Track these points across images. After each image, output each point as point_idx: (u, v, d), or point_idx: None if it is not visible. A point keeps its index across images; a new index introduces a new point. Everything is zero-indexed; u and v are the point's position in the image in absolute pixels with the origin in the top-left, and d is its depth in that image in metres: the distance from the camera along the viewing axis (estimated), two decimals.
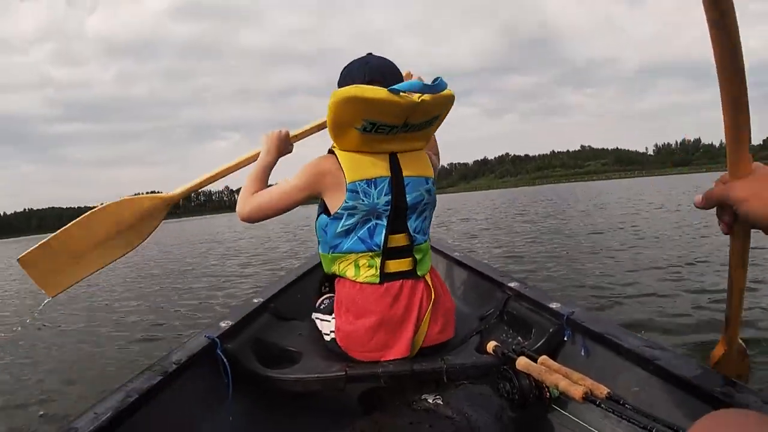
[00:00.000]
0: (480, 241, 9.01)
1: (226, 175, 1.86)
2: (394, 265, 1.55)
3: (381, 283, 1.54)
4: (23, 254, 1.60)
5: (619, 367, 1.32)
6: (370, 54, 1.63)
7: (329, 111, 1.45)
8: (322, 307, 1.81)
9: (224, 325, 1.65)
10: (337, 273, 1.61)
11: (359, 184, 1.50)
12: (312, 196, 1.59)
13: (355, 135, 1.48)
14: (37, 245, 1.61)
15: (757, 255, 4.93)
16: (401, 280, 1.55)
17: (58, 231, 1.65)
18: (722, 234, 0.92)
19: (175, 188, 1.84)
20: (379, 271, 1.54)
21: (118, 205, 1.76)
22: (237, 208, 1.66)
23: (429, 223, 1.65)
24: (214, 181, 1.88)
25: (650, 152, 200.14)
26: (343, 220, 1.53)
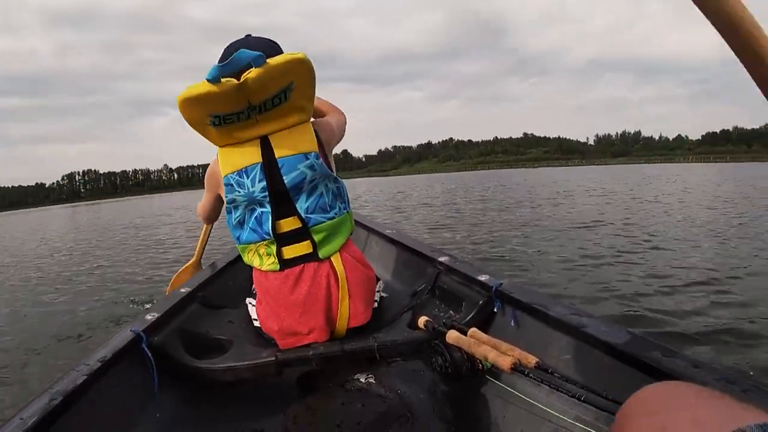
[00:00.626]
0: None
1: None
2: (290, 251, 1.54)
3: (281, 269, 1.53)
4: None
5: (549, 336, 1.34)
6: (249, 35, 1.59)
7: (183, 117, 1.47)
8: (254, 291, 1.78)
9: (150, 317, 1.59)
10: (248, 263, 1.61)
11: (231, 177, 1.51)
12: (219, 197, 1.67)
13: (212, 131, 1.50)
14: None
15: None
16: (302, 264, 1.54)
17: None
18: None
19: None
20: (277, 258, 1.53)
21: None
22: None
23: (331, 198, 1.58)
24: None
25: (591, 142, 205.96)
26: (233, 213, 1.56)
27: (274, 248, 1.53)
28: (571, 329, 1.26)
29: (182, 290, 1.90)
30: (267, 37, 1.59)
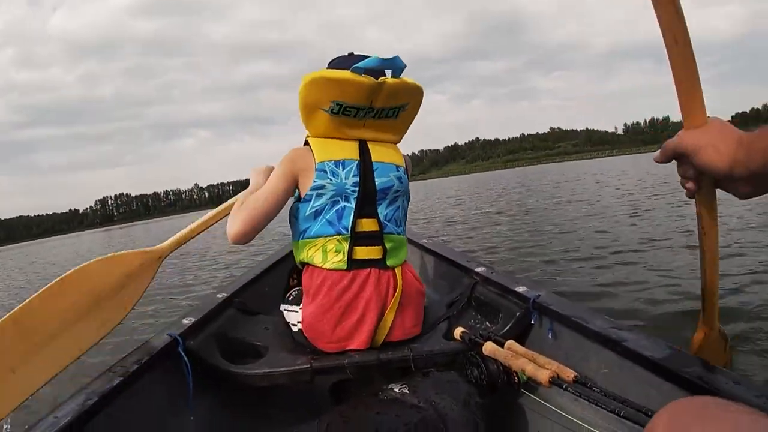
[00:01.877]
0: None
1: (210, 225, 1.78)
2: (363, 252, 1.52)
3: (348, 269, 1.51)
4: None
5: (587, 349, 1.31)
6: (352, 53, 1.62)
7: (300, 94, 1.50)
8: (290, 298, 1.77)
9: (187, 322, 1.61)
10: (305, 260, 1.56)
11: (327, 164, 1.52)
12: (293, 185, 1.57)
13: (324, 117, 1.52)
14: None
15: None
16: (369, 269, 1.52)
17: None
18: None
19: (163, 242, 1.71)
20: (346, 256, 1.50)
21: (91, 268, 1.45)
22: (228, 230, 1.52)
23: (403, 214, 1.64)
24: (199, 232, 1.77)
25: (620, 131, 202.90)
26: (312, 202, 1.52)
27: (346, 246, 1.51)
28: (610, 342, 1.23)
29: (219, 296, 1.92)
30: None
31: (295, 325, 1.63)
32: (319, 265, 1.52)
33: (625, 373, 1.17)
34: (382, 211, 1.56)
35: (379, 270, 1.53)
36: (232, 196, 1.72)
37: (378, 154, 1.58)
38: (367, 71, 1.45)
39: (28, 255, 30.78)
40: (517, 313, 1.59)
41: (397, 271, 1.56)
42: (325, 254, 1.52)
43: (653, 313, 3.23)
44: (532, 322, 1.55)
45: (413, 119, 1.67)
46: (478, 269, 1.92)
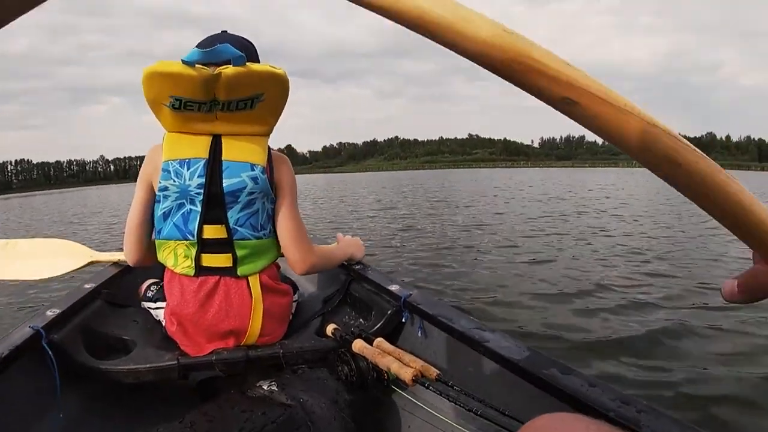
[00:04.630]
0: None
1: None
2: (209, 259, 1.45)
3: (196, 276, 1.45)
4: None
5: (454, 349, 1.35)
6: (225, 32, 1.55)
7: (143, 91, 1.39)
8: (149, 294, 1.72)
9: (50, 314, 1.49)
10: (161, 261, 1.51)
11: (172, 164, 1.43)
12: (151, 190, 1.49)
13: (167, 113, 1.42)
14: None
15: None
16: (218, 276, 1.45)
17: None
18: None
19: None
20: (194, 262, 1.44)
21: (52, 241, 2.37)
22: None
23: (265, 220, 1.51)
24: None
25: (536, 144, 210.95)
26: (161, 203, 1.46)
27: (193, 252, 1.44)
28: (474, 343, 1.26)
29: (86, 286, 1.80)
30: (245, 38, 1.55)
31: (162, 321, 1.58)
32: (172, 268, 1.48)
33: (487, 373, 1.22)
34: (234, 215, 1.45)
35: (228, 278, 1.46)
36: (138, 172, 1.62)
37: (231, 151, 1.46)
38: (202, 62, 1.35)
39: None
40: (389, 311, 1.60)
41: (252, 280, 1.48)
42: (176, 258, 1.47)
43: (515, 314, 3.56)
44: (403, 320, 1.57)
45: (280, 108, 1.49)
46: (355, 266, 1.91)
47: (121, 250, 2.25)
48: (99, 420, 1.42)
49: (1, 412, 1.20)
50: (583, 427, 0.59)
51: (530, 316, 3.51)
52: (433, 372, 1.17)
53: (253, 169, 1.45)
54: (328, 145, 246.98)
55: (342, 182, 37.65)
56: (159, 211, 1.47)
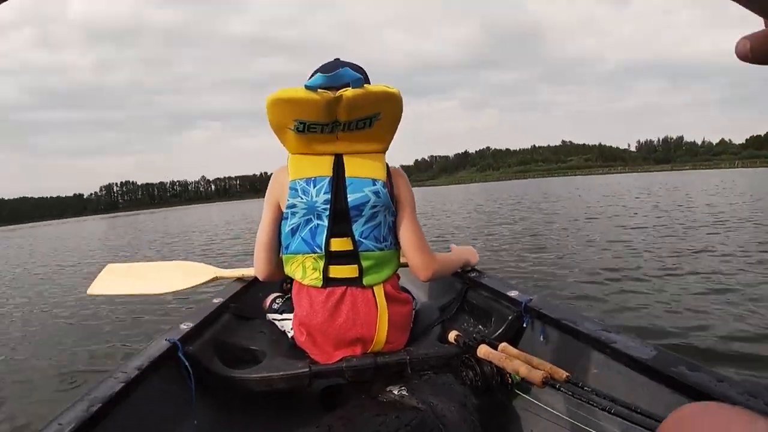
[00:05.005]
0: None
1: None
2: (336, 271, 1.53)
3: (324, 287, 1.53)
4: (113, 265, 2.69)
5: (578, 351, 1.35)
6: (338, 59, 1.64)
7: (267, 117, 1.51)
8: (274, 306, 1.83)
9: (185, 327, 1.62)
10: (289, 274, 1.61)
11: (299, 182, 1.53)
12: (279, 210, 1.61)
13: (292, 136, 1.53)
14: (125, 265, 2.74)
15: None
16: (345, 287, 1.53)
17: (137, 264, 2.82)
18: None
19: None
20: (321, 274, 1.53)
21: (181, 264, 2.69)
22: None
23: (386, 232, 1.58)
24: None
25: (632, 148, 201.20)
26: (288, 219, 1.56)
27: (321, 264, 1.52)
28: (600, 345, 1.27)
29: (215, 300, 1.93)
30: (357, 64, 1.64)
31: (290, 331, 1.67)
32: (300, 280, 1.56)
33: (614, 374, 1.22)
34: (358, 228, 1.53)
35: (355, 288, 1.53)
36: (238, 191, 1.77)
37: (353, 168, 1.55)
38: (324, 87, 1.44)
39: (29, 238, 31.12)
40: (510, 317, 1.63)
41: (377, 289, 1.54)
42: (304, 270, 1.55)
43: (642, 318, 3.47)
44: (524, 325, 1.59)
45: (395, 126, 1.58)
46: (471, 273, 1.95)
47: (242, 266, 2.50)
48: (230, 426, 1.50)
49: (141, 420, 1.28)
50: (729, 414, 0.60)
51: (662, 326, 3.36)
52: (563, 374, 1.17)
53: (374, 184, 1.53)
54: (419, 159, 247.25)
55: (436, 195, 37.40)
56: (287, 228, 1.57)
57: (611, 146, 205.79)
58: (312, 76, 1.55)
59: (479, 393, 1.41)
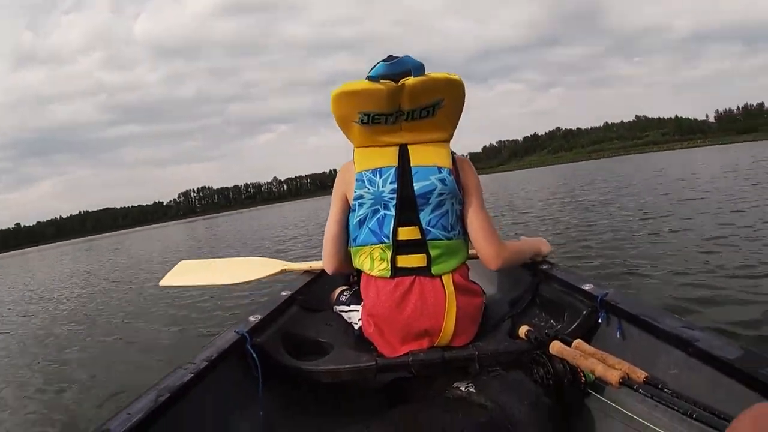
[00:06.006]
0: None
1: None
2: (404, 260, 1.51)
3: (392, 277, 1.51)
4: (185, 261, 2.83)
5: (657, 349, 1.25)
6: (390, 56, 1.60)
7: (332, 111, 1.55)
8: (342, 299, 1.83)
9: (253, 319, 1.65)
10: (358, 266, 1.61)
11: (365, 174, 1.55)
12: (346, 203, 1.63)
13: (357, 129, 1.56)
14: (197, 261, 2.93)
15: None
16: (413, 276, 1.50)
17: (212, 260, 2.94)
18: None
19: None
20: (389, 264, 1.51)
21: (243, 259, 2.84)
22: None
23: (454, 220, 1.56)
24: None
25: (711, 119, 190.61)
26: (356, 211, 1.58)
27: (389, 254, 1.51)
28: (682, 342, 1.17)
29: (283, 293, 1.96)
30: (406, 55, 1.61)
31: (356, 323, 1.67)
32: (368, 272, 1.56)
33: (696, 375, 1.12)
34: (425, 216, 1.51)
35: (423, 278, 1.50)
36: (309, 189, 1.79)
37: (418, 157, 1.55)
38: (385, 76, 1.46)
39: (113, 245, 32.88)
40: (584, 312, 1.54)
41: (446, 279, 1.51)
42: (372, 261, 1.55)
43: (727, 314, 3.08)
44: (599, 320, 1.50)
45: (458, 113, 1.59)
46: (542, 266, 1.87)
47: (308, 259, 2.55)
48: (296, 415, 1.52)
49: (208, 410, 1.32)
50: None
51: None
52: (642, 374, 1.10)
53: (440, 172, 1.53)
54: (487, 145, 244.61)
55: (508, 180, 36.35)
56: (354, 220, 1.58)
57: (688, 118, 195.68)
58: (371, 69, 1.55)
59: (550, 392, 1.34)
